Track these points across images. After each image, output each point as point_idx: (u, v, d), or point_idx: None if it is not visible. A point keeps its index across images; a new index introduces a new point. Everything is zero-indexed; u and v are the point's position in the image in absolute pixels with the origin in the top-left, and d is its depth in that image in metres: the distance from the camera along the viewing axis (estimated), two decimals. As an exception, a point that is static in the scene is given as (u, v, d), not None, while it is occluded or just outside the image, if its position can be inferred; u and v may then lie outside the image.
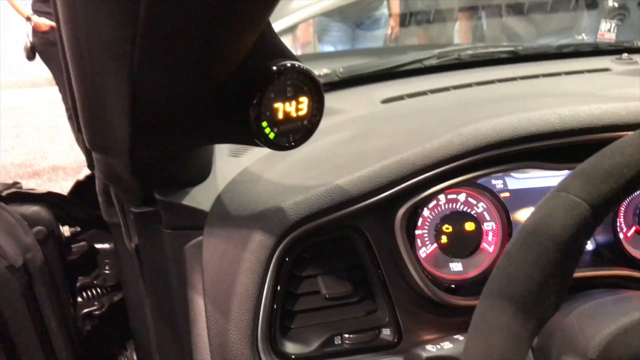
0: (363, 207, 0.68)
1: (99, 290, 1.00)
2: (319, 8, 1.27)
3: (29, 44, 3.59)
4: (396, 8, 3.61)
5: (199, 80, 0.50)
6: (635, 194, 0.81)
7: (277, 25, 1.28)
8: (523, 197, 0.81)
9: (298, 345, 0.69)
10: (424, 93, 1.11)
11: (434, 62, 1.32)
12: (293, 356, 0.67)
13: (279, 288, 0.68)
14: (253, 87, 0.52)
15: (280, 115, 0.55)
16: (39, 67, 3.52)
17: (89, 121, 0.58)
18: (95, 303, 0.97)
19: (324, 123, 0.99)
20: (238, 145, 0.92)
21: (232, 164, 0.86)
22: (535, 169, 0.74)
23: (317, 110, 0.57)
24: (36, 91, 5.88)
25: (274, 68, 0.52)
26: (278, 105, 0.54)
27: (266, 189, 0.74)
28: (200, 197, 0.76)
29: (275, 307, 0.67)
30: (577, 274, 0.76)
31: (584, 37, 2.36)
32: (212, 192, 0.78)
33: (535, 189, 0.81)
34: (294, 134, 0.57)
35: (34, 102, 5.68)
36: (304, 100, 0.56)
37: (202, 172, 0.79)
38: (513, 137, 0.68)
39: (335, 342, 0.69)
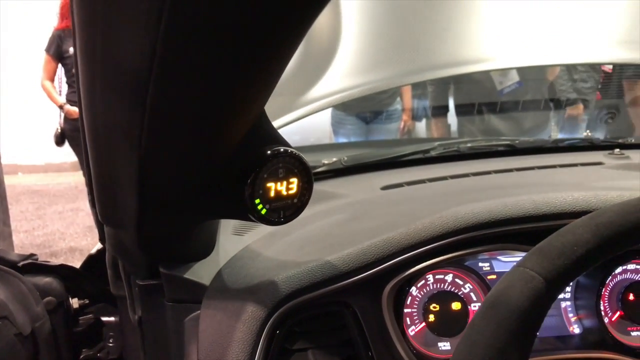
0: (352, 283, 0.73)
1: (102, 363, 1.02)
2: (328, 102, 1.38)
3: (59, 130, 3.81)
4: (409, 103, 3.78)
5: (200, 164, 0.57)
6: (619, 278, 0.84)
7: (286, 118, 1.38)
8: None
9: None
10: (422, 181, 1.18)
11: (434, 153, 1.40)
12: None
13: (271, 358, 0.71)
14: (248, 168, 0.59)
15: (272, 194, 0.61)
16: (65, 153, 3.71)
17: (102, 197, 0.64)
18: (97, 376, 1.00)
19: (324, 206, 1.05)
20: (241, 223, 0.99)
21: (234, 241, 0.92)
22: (512, 250, 0.78)
23: (306, 190, 0.64)
24: (61, 176, 6.11)
25: (268, 152, 0.59)
26: (270, 184, 0.60)
27: (263, 264, 0.79)
28: (202, 272, 0.81)
29: None
30: (563, 356, 0.79)
31: (588, 133, 2.47)
32: (214, 267, 0.83)
33: (520, 272, 0.85)
34: (285, 211, 0.63)
35: (58, 186, 5.88)
36: (294, 180, 0.62)
37: (205, 248, 0.85)
38: (490, 220, 0.73)
39: None
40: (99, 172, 0.60)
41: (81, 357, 1.01)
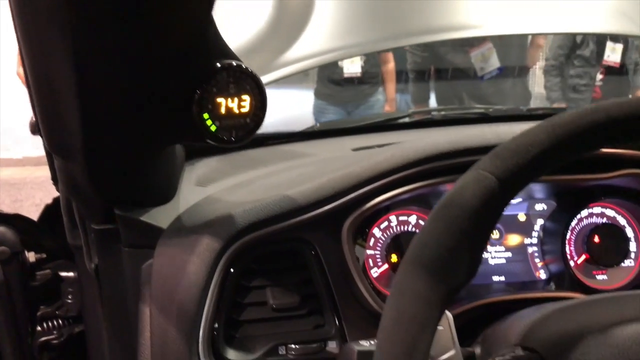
0: (310, 218, 0.71)
1: (60, 321, 0.99)
2: (304, 65, 1.36)
3: (34, 119, 3.73)
4: (391, 93, 3.77)
5: (141, 70, 0.54)
6: (585, 222, 0.83)
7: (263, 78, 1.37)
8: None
9: (240, 353, 0.68)
10: (393, 144, 1.16)
11: (408, 120, 1.39)
12: None
13: (224, 296, 0.68)
14: (197, 82, 0.57)
15: (223, 110, 0.59)
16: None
17: (44, 116, 0.62)
18: (54, 332, 0.96)
19: (292, 163, 1.03)
20: (205, 176, 0.96)
21: (197, 192, 0.89)
22: None
23: (259, 110, 0.61)
24: (39, 169, 6.01)
25: (218, 65, 0.57)
26: (220, 100, 0.58)
27: (222, 205, 0.77)
28: (160, 217, 0.79)
29: (219, 314, 0.68)
30: (529, 296, 0.77)
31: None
32: (173, 213, 0.80)
33: (486, 216, 0.84)
34: (237, 131, 0.61)
35: (36, 180, 5.78)
36: (247, 98, 0.60)
37: (164, 193, 0.82)
38: (451, 151, 0.71)
39: (280, 352, 0.69)
40: (36, 82, 0.57)
41: (38, 314, 0.98)
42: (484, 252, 0.81)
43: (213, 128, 0.59)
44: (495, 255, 0.83)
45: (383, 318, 0.44)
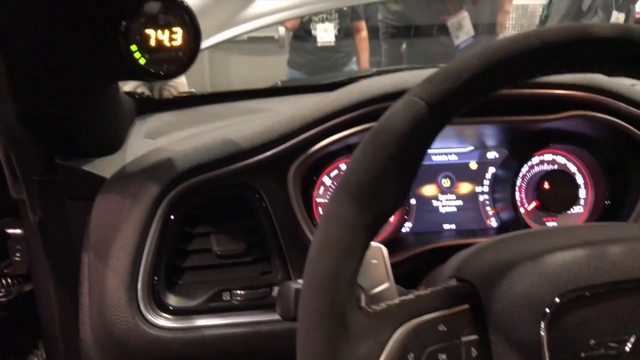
0: (255, 163, 0.69)
1: (9, 280, 0.97)
2: (278, 17, 1.34)
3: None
4: (365, 63, 3.74)
5: (62, 1, 0.51)
6: (536, 170, 0.82)
7: (231, 32, 1.35)
8: (426, 171, 0.83)
9: (182, 299, 0.67)
10: None
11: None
12: (171, 307, 0.66)
13: (166, 243, 0.67)
14: (123, 12, 0.54)
15: (152, 43, 0.56)
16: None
17: None
18: (3, 291, 0.94)
19: (245, 117, 1.01)
20: (154, 127, 0.93)
21: (145, 144, 0.87)
22: None
23: (193, 43, 0.59)
24: None
25: None
26: (149, 31, 0.56)
27: (166, 154, 0.74)
28: (104, 167, 0.76)
29: (160, 261, 0.66)
30: (478, 240, 0.77)
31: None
32: (117, 163, 0.78)
33: (437, 163, 0.83)
34: (168, 64, 0.58)
35: None
36: (178, 30, 0.57)
37: (108, 144, 0.80)
38: (396, 91, 0.70)
39: (224, 298, 0.68)
40: None
41: None
42: (437, 201, 0.83)
43: (142, 61, 0.56)
44: (446, 203, 0.83)
45: (310, 247, 0.43)
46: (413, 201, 0.82)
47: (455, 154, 0.83)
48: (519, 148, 0.82)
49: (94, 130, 0.76)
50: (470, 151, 0.84)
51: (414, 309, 0.43)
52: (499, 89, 0.46)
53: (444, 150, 0.83)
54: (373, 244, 0.50)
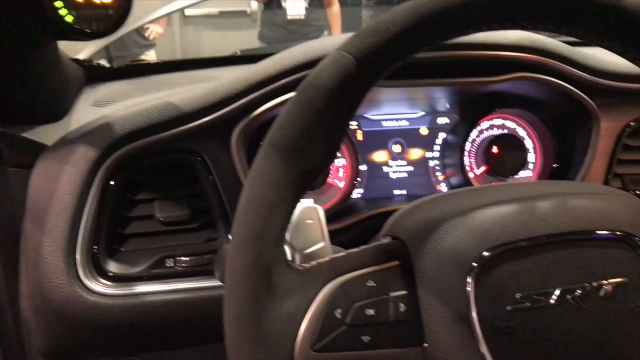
0: (197, 127, 0.67)
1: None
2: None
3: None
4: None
5: None
6: (485, 134, 0.83)
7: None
8: (376, 137, 0.82)
9: (124, 266, 0.66)
10: None
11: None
12: (112, 274, 0.65)
13: (106, 209, 0.65)
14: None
15: (79, -1, 0.54)
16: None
17: None
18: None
19: (199, 84, 0.99)
20: (103, 95, 0.91)
21: (92, 111, 0.84)
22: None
23: (125, 1, 0.57)
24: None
25: None
26: (75, -12, 0.53)
27: (106, 119, 0.72)
28: (47, 134, 0.74)
29: (100, 227, 0.65)
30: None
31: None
32: (61, 131, 0.75)
33: (388, 129, 0.83)
34: (98, 23, 0.56)
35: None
36: (107, -13, 0.55)
37: (51, 111, 0.77)
38: None
39: (167, 265, 0.67)
40: None
41: None
42: (388, 167, 0.82)
43: (69, 18, 0.54)
44: (396, 169, 0.83)
45: (238, 205, 0.42)
46: (364, 167, 0.82)
47: (406, 119, 0.83)
48: (468, 113, 0.82)
49: (34, 96, 0.73)
50: (421, 117, 0.83)
51: (343, 265, 0.43)
52: (430, 44, 0.45)
53: (395, 115, 0.83)
54: (309, 204, 0.49)
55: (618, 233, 0.41)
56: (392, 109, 0.82)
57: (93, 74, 0.97)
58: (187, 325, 0.66)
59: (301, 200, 0.46)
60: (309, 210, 0.49)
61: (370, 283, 0.42)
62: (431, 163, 0.84)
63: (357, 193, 0.82)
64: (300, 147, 0.41)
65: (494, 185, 0.65)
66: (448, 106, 0.83)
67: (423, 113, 0.83)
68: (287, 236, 0.47)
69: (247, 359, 0.39)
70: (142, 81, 1.03)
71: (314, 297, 0.41)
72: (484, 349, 0.39)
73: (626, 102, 0.77)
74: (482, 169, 0.82)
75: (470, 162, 0.82)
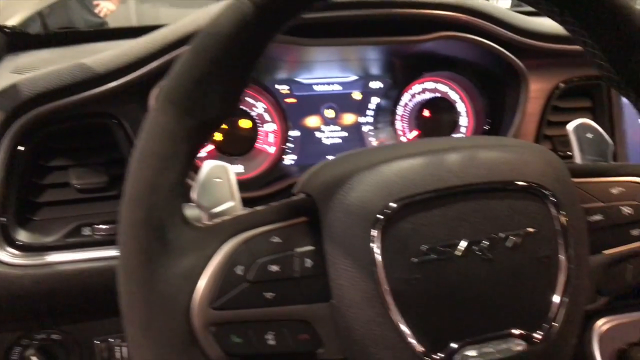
0: (113, 90, 0.64)
1: None
2: None
3: None
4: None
5: None
6: (417, 99, 0.82)
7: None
8: (309, 102, 0.80)
9: (37, 236, 0.63)
10: None
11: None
12: (22, 243, 0.61)
13: (15, 176, 0.62)
14: None
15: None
16: None
17: None
18: None
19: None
20: (25, 63, 0.86)
21: (10, 78, 0.80)
22: (290, 44, 0.71)
23: None
24: None
25: None
26: None
27: (14, 81, 0.68)
28: None
29: (9, 196, 0.61)
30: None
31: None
32: None
33: (320, 93, 0.81)
34: None
35: None
36: None
37: None
38: None
39: (84, 233, 0.64)
40: None
41: None
42: (321, 132, 0.81)
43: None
44: (330, 135, 0.82)
45: (134, 152, 0.40)
46: (297, 133, 0.80)
47: (339, 83, 0.81)
48: (400, 76, 0.81)
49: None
50: (354, 81, 0.82)
51: (247, 222, 0.41)
52: None
53: (327, 79, 0.81)
54: (217, 162, 0.47)
55: (526, 184, 0.41)
56: (324, 72, 0.80)
57: (16, 41, 0.92)
58: (105, 294, 0.63)
59: (204, 155, 0.44)
60: (218, 168, 0.47)
61: (275, 239, 0.41)
62: (365, 128, 0.82)
63: (290, 159, 0.80)
64: (195, 98, 0.39)
65: (409, 142, 0.64)
66: (380, 70, 0.82)
67: (356, 77, 0.82)
68: (195, 195, 0.44)
69: (141, 320, 0.37)
70: (68, 49, 0.98)
71: (212, 254, 0.39)
72: (389, 301, 0.38)
73: (555, 63, 0.77)
74: (415, 133, 0.81)
75: (403, 126, 0.81)
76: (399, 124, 0.81)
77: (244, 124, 0.75)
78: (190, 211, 0.48)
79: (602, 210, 0.45)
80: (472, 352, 0.39)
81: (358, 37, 0.70)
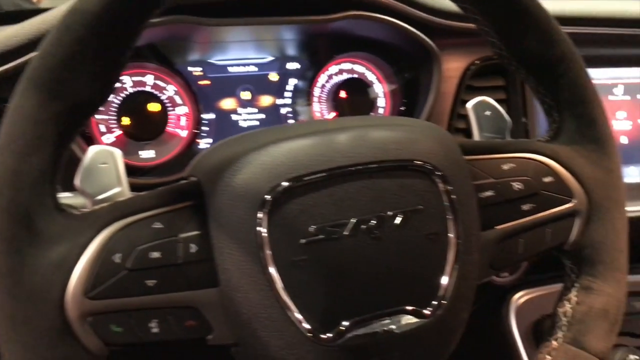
0: (3, 73, 0.61)
1: None
2: None
3: None
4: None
5: None
6: (334, 81, 0.81)
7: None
8: (223, 83, 0.79)
9: None
10: None
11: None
12: None
13: None
14: None
15: None
16: None
17: None
18: None
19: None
20: None
21: None
22: (194, 24, 0.69)
23: None
24: None
25: None
26: None
27: None
28: None
29: None
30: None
31: None
32: None
33: (235, 75, 0.79)
34: None
35: None
36: None
37: None
38: None
39: None
40: None
41: None
42: (237, 115, 0.79)
43: None
44: (247, 117, 0.80)
45: None
46: (212, 116, 0.78)
47: (255, 64, 0.80)
48: (316, 57, 0.80)
49: None
50: (270, 62, 0.81)
51: (127, 208, 0.39)
52: None
53: (242, 61, 0.79)
54: (103, 146, 0.45)
55: (413, 162, 0.41)
56: (239, 53, 0.79)
57: None
58: None
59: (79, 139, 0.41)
60: (103, 152, 0.45)
61: (157, 225, 0.39)
62: (283, 110, 0.81)
63: (205, 143, 0.78)
64: (61, 79, 0.37)
65: (299, 122, 0.63)
66: (297, 51, 0.80)
67: (272, 58, 0.80)
68: (77, 181, 0.42)
69: (8, 313, 0.35)
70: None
71: (88, 243, 0.37)
72: (277, 284, 0.38)
73: (468, 42, 0.78)
74: (333, 114, 0.81)
75: (321, 107, 0.81)
76: (317, 106, 0.80)
77: (153, 107, 0.73)
78: (75, 199, 0.46)
79: (493, 186, 0.46)
80: (362, 330, 0.39)
81: (267, 17, 0.69)
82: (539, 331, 0.86)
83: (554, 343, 0.48)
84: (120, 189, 0.45)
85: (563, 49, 0.48)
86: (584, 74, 0.49)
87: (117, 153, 0.46)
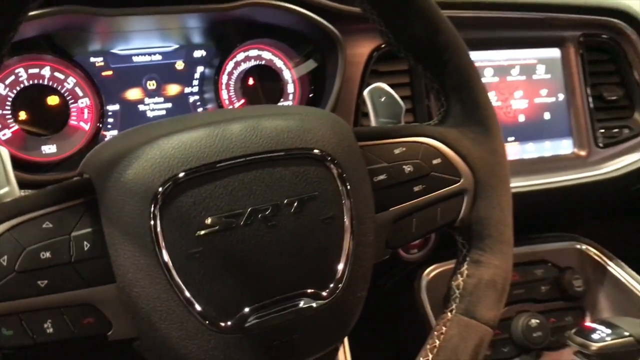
0: None
1: None
2: None
3: None
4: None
5: None
6: (242, 68, 0.81)
7: None
8: (127, 74, 0.77)
9: None
10: None
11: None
12: None
13: None
14: None
15: None
16: None
17: None
18: None
19: None
20: None
21: None
22: (88, 14, 0.67)
23: None
24: None
25: None
26: None
27: None
28: None
29: None
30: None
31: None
32: None
33: (140, 64, 0.78)
34: None
35: None
36: None
37: None
38: None
39: None
40: None
41: None
42: (144, 105, 0.77)
43: None
44: (154, 107, 0.79)
45: None
46: (116, 107, 0.77)
47: (160, 53, 0.79)
48: (222, 44, 0.80)
49: None
50: (176, 50, 0.79)
51: (12, 209, 0.38)
52: None
53: (147, 50, 0.78)
54: None
55: (307, 150, 0.42)
56: (142, 43, 0.77)
57: None
58: None
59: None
60: (-10, 152, 0.43)
61: (47, 225, 0.39)
62: (191, 98, 0.81)
63: (111, 135, 0.77)
64: None
65: (191, 114, 0.63)
66: (202, 39, 0.80)
67: (177, 46, 0.79)
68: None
69: None
70: None
71: None
72: (174, 277, 0.38)
73: (372, 28, 0.79)
74: (241, 102, 0.81)
75: (229, 95, 0.81)
76: (225, 93, 0.80)
77: (52, 100, 0.70)
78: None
79: (386, 170, 0.48)
80: (262, 316, 0.40)
81: (166, 6, 0.68)
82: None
83: (449, 315, 0.51)
84: (7, 189, 0.44)
85: (447, 37, 0.50)
86: (467, 60, 0.51)
87: (4, 152, 0.45)
